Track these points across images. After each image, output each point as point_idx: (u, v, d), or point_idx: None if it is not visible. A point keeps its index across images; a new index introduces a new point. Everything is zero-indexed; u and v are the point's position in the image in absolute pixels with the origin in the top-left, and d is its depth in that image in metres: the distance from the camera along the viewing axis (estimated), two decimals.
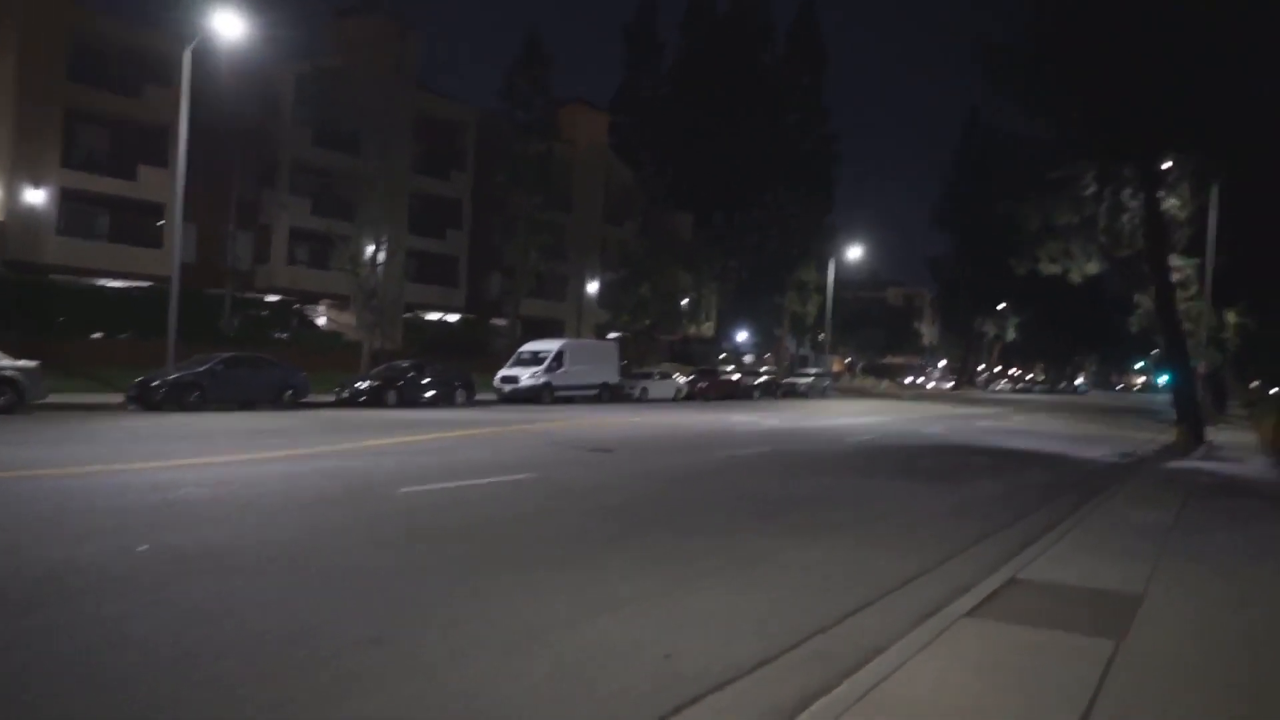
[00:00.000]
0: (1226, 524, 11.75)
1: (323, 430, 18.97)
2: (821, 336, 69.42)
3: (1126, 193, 30.40)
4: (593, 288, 56.27)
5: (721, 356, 69.77)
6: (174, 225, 26.23)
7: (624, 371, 44.47)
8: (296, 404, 26.54)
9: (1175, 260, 32.24)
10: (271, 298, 40.60)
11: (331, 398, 29.09)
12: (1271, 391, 76.09)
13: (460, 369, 33.20)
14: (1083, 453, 23.87)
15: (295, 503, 10.09)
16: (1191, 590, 7.74)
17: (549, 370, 35.41)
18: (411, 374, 30.52)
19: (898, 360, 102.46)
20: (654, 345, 56.14)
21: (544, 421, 24.67)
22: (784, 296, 68.95)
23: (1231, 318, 47.17)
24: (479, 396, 34.49)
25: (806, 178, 69.11)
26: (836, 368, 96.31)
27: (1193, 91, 26.79)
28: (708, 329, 68.06)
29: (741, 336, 77.82)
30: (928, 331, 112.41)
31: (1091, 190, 30.88)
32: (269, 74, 38.54)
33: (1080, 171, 30.73)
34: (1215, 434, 31.39)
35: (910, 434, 27.01)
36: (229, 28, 24.94)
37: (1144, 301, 38.20)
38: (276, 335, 38.99)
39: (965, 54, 30.44)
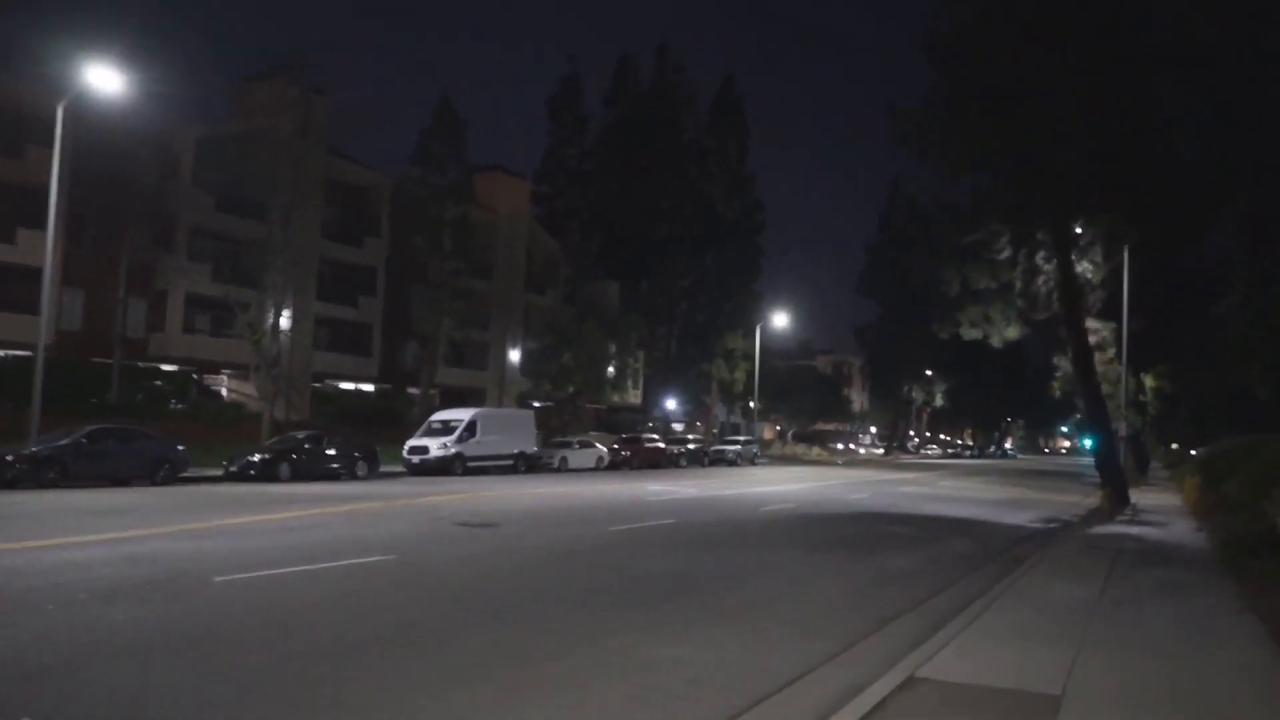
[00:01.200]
0: (1155, 597, 10.71)
1: (183, 508, 17.14)
2: (751, 404, 68.79)
3: (1041, 256, 30.27)
4: (515, 356, 54.92)
5: (650, 425, 68.61)
6: (44, 288, 24.31)
7: (544, 440, 42.99)
8: (175, 479, 24.48)
9: (1092, 323, 32.15)
10: (169, 367, 38.37)
11: (220, 472, 27.10)
12: (1191, 453, 77.41)
13: (363, 440, 31.34)
14: (1007, 518, 23.02)
15: (66, 599, 8.43)
16: (1119, 688, 6.56)
17: (460, 440, 33.72)
18: (308, 445, 28.65)
19: (829, 427, 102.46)
20: (579, 414, 54.68)
21: (441, 494, 23.01)
22: (711, 364, 68.32)
23: (1149, 381, 47.63)
24: (387, 468, 32.68)
25: (733, 246, 69.10)
26: (768, 435, 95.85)
27: (1102, 155, 26.84)
28: (634, 397, 66.96)
29: (671, 405, 76.92)
30: (858, 398, 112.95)
31: (1006, 254, 30.69)
32: (167, 137, 36.96)
33: (994, 235, 30.56)
34: (1139, 496, 30.94)
35: (833, 501, 25.94)
36: (106, 82, 23.49)
37: (1063, 364, 38.15)
38: (174, 406, 36.69)
39: (884, 122, 30.27)
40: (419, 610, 8.54)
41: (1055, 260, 28.51)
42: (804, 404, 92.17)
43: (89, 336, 35.31)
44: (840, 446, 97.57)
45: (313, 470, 27.89)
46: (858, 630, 8.78)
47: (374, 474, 30.10)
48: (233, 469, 26.89)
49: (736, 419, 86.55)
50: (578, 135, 73.36)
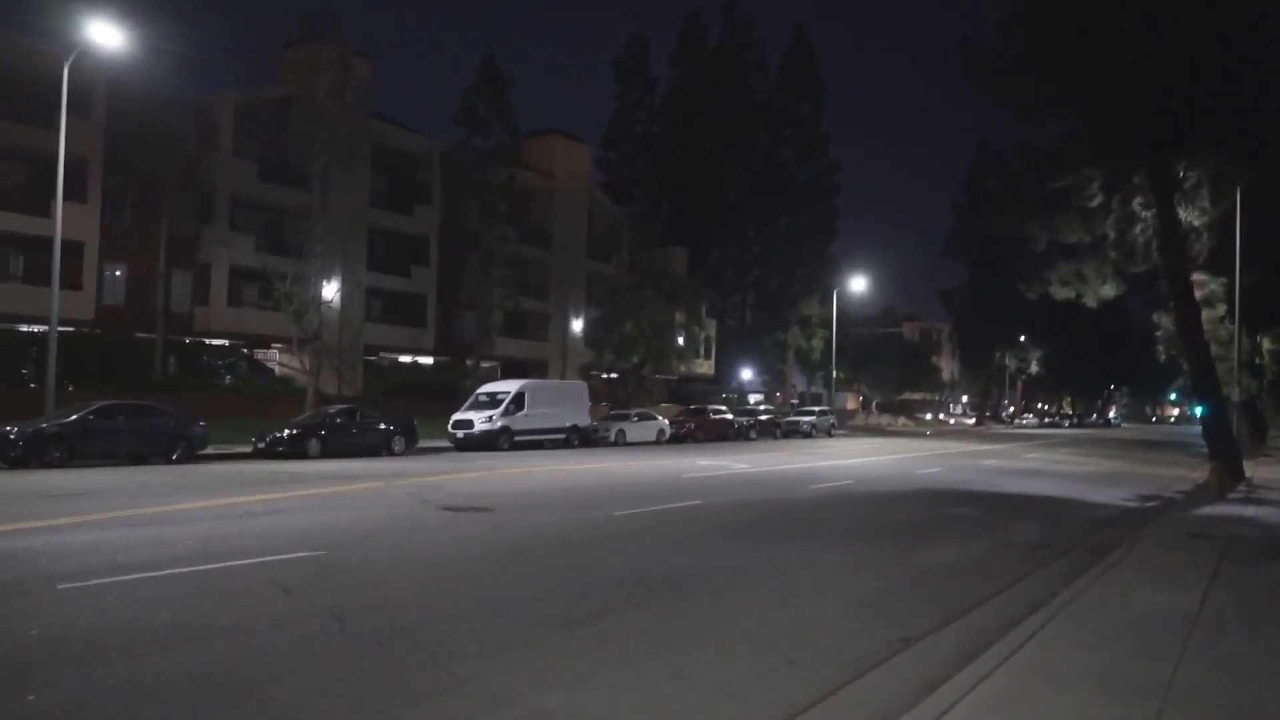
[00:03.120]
0: (1278, 612, 8.18)
1: (167, 489, 15.72)
2: (831, 373, 65.85)
3: (1138, 202, 26.90)
4: (577, 326, 53.18)
5: (725, 396, 66.38)
6: (54, 257, 23.37)
7: (605, 412, 41.21)
8: (192, 457, 23.35)
9: (1198, 276, 28.66)
10: (216, 341, 37.71)
11: (249, 449, 26.02)
12: None
13: (401, 414, 29.97)
14: (1096, 496, 20.20)
15: None
16: None
17: (506, 414, 32.08)
18: (340, 420, 27.34)
19: (916, 397, 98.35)
20: (646, 385, 52.74)
21: (462, 472, 21.31)
22: (786, 332, 65.54)
23: (1266, 344, 43.33)
24: (432, 444, 31.33)
25: (807, 209, 65.97)
26: (851, 406, 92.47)
27: (1208, 84, 23.45)
28: (706, 368, 64.65)
29: (747, 375, 74.45)
30: (947, 366, 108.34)
31: (1099, 201, 27.39)
32: (206, 106, 36.05)
33: (1085, 181, 27.27)
34: (1255, 470, 27.50)
35: (897, 477, 23.40)
36: (108, 39, 22.24)
37: (1165, 323, 34.49)
38: (223, 381, 35.98)
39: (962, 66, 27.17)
40: (269, 637, 6.62)
41: (1154, 206, 25.21)
42: (889, 373, 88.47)
43: (132, 311, 34.74)
44: (928, 417, 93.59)
45: (345, 446, 26.57)
46: (857, 659, 6.57)
47: (411, 449, 28.71)
48: (261, 445, 25.78)
49: (817, 389, 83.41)
50: (645, 98, 71.08)
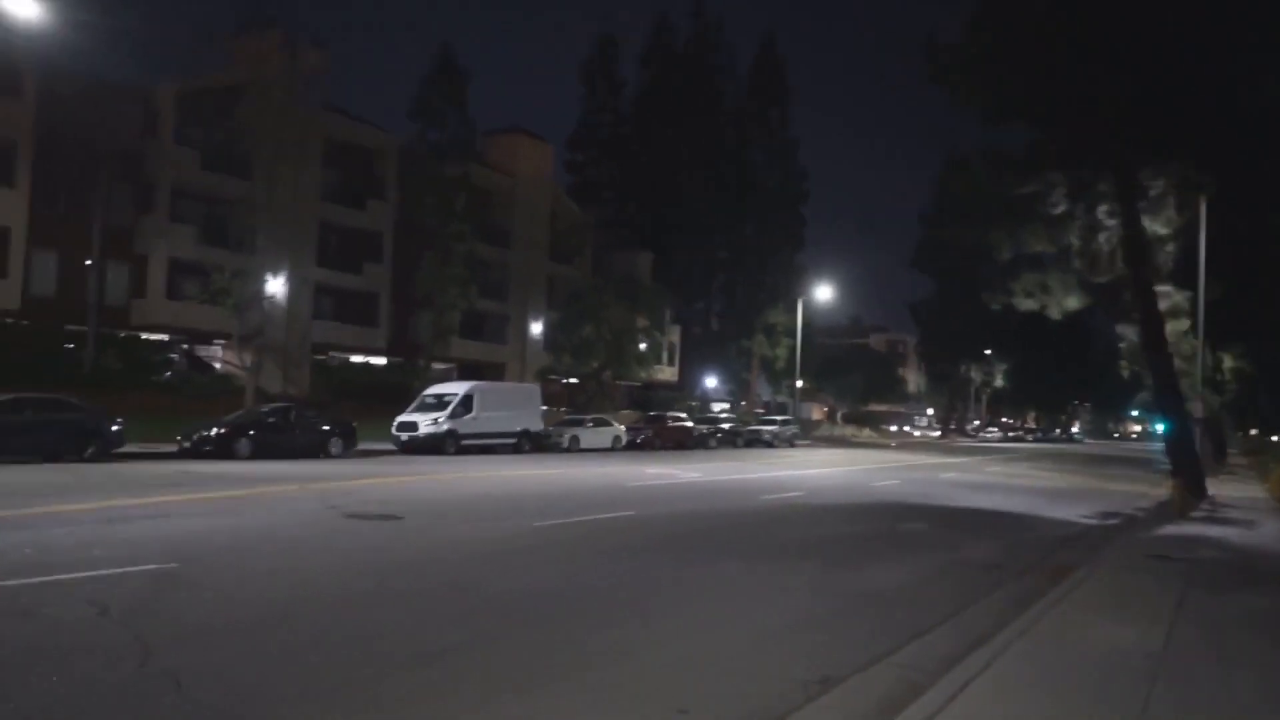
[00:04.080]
0: (1250, 645, 7.23)
1: (59, 489, 14.40)
2: (795, 383, 65.06)
3: (1103, 210, 26.23)
4: (537, 329, 51.96)
5: (694, 405, 65.41)
6: None
7: (562, 417, 40.08)
8: (107, 455, 21.94)
9: (1162, 288, 28.04)
10: (155, 336, 36.13)
11: (175, 448, 24.65)
12: (1275, 439, 71.67)
13: (342, 415, 28.70)
14: (1055, 512, 19.35)
15: None
16: None
17: (453, 416, 30.84)
18: (272, 420, 26.02)
19: (881, 408, 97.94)
20: (606, 391, 51.59)
21: (388, 477, 20.10)
22: (751, 340, 64.73)
23: (1228, 360, 42.94)
24: (376, 447, 30.06)
25: (775, 216, 65.17)
26: (816, 416, 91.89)
27: (1176, 89, 22.80)
28: (669, 374, 63.66)
29: (711, 383, 73.48)
30: (913, 378, 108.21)
31: (1063, 208, 26.70)
32: (146, 93, 34.55)
33: (1049, 187, 26.57)
34: (1217, 487, 26.87)
35: (852, 489, 22.47)
36: (21, 7, 20.77)
37: (1129, 334, 33.91)
38: (157, 377, 34.41)
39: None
40: (40, 672, 5.45)
41: (1119, 214, 24.53)
42: (855, 383, 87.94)
43: (64, 302, 33.14)
44: (893, 429, 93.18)
45: (277, 447, 25.25)
46: (763, 707, 5.52)
47: (350, 452, 27.43)
48: (186, 445, 24.41)
49: (784, 398, 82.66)
50: (612, 100, 69.99)
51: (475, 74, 39.84)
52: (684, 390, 66.82)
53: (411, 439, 30.16)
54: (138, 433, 25.92)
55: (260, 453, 24.61)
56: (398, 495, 15.99)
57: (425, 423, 30.44)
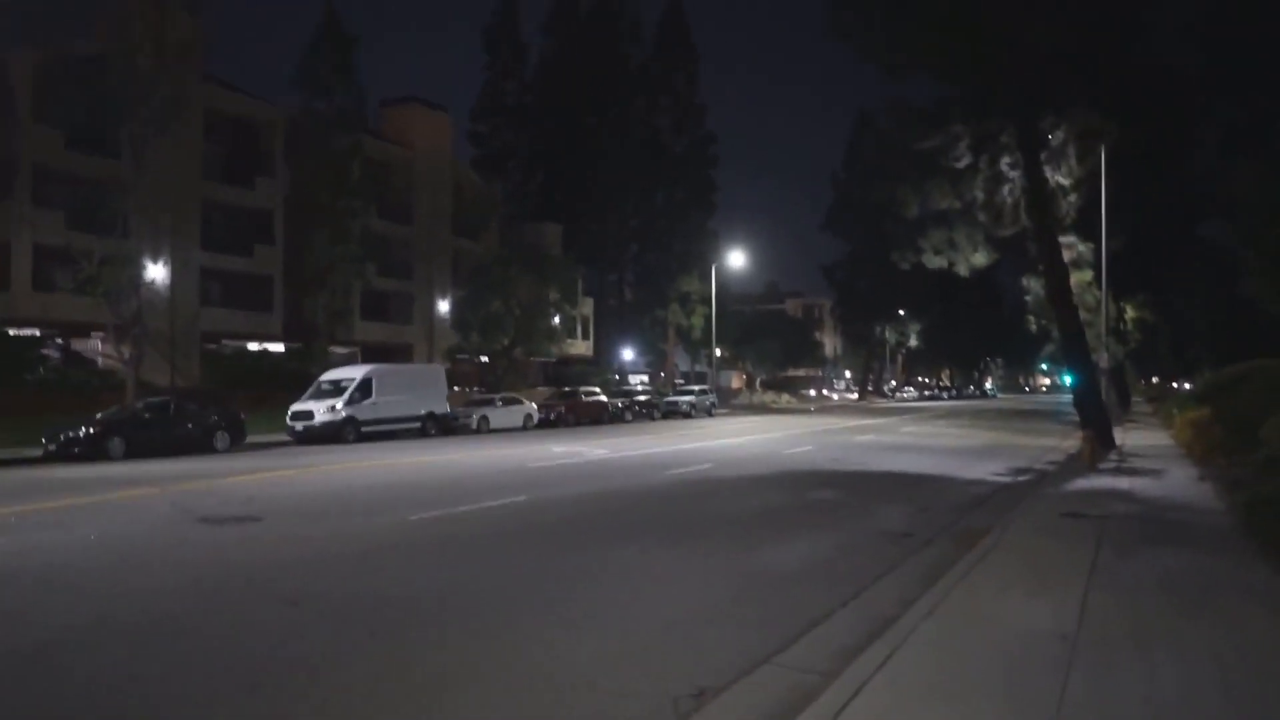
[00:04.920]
0: (1170, 617, 6.58)
1: None
2: (714, 351, 64.62)
3: (1005, 162, 25.96)
4: (444, 307, 50.30)
5: (616, 378, 64.47)
6: None
7: (469, 398, 38.79)
8: None
9: (1065, 239, 28.03)
10: (24, 331, 33.62)
11: (40, 452, 22.75)
12: (1175, 386, 73.99)
13: (226, 407, 26.99)
14: (969, 471, 18.98)
15: None
16: None
17: (351, 403, 29.33)
18: (149, 415, 24.26)
19: (799, 373, 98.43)
20: (519, 368, 50.26)
21: (270, 471, 18.74)
22: (666, 309, 64.00)
23: (1131, 311, 43.71)
24: (271, 438, 28.45)
25: (684, 182, 64.38)
26: (735, 384, 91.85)
27: (1077, 36, 22.48)
28: (584, 348, 62.62)
29: (628, 355, 72.65)
30: (830, 342, 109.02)
31: (967, 161, 26.35)
32: None
33: (953, 139, 26.15)
34: (1124, 436, 27.04)
35: (764, 458, 21.82)
36: None
37: (1034, 286, 34.00)
38: (27, 375, 32.01)
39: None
40: None
41: (1021, 165, 24.23)
42: (772, 350, 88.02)
43: None
44: (812, 393, 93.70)
45: (155, 444, 23.53)
46: None
47: (238, 445, 25.81)
48: (52, 448, 22.54)
49: (702, 368, 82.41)
50: (516, 68, 68.13)
51: (368, 42, 37.89)
52: (600, 364, 65.85)
53: (307, 429, 28.60)
54: (2, 438, 23.96)
55: (136, 451, 22.90)
56: (268, 493, 14.70)
57: (321, 411, 28.89)
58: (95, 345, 36.68)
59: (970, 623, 6.52)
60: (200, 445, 24.57)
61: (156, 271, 33.86)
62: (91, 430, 22.68)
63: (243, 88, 41.90)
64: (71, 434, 22.62)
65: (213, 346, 39.81)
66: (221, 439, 25.24)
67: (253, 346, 42.88)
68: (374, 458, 22.28)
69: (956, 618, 6.68)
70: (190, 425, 24.82)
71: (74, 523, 11.49)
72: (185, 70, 33.36)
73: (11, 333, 32.50)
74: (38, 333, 34.57)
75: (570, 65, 65.19)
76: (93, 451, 22.28)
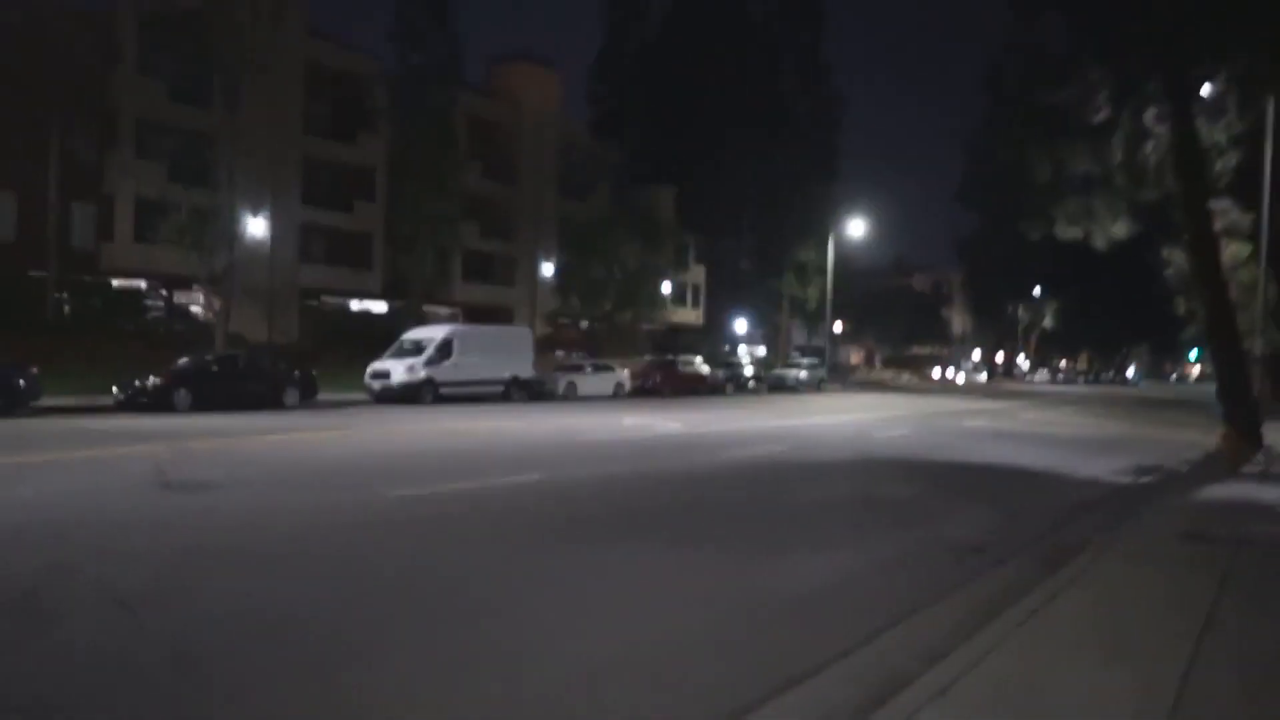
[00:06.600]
0: None
1: None
2: (836, 325, 61.66)
3: (1150, 115, 22.65)
4: (547, 270, 49.30)
5: (728, 349, 62.64)
6: None
7: (562, 363, 37.70)
8: (23, 409, 19.97)
9: (1219, 204, 24.51)
10: (128, 282, 34.20)
11: (111, 400, 22.67)
12: None
13: (299, 363, 26.56)
14: (1083, 467, 16.42)
15: None
16: None
17: (430, 363, 28.53)
18: (216, 369, 23.91)
19: (924, 351, 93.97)
20: (624, 335, 48.89)
21: (311, 431, 17.84)
22: (781, 278, 61.39)
23: None
24: (345, 396, 27.99)
25: (805, 145, 61.35)
26: (855, 359, 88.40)
27: None
28: (693, 316, 60.78)
29: (741, 325, 70.45)
30: (958, 320, 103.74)
31: (1104, 115, 23.16)
32: (106, 18, 32.14)
33: (1091, 91, 23.00)
34: (1276, 433, 23.56)
35: (850, 441, 19.69)
36: None
37: (1176, 258, 30.29)
38: (128, 325, 32.56)
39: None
40: None
41: (1169, 115, 21.00)
42: (896, 325, 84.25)
43: (25, 247, 31.28)
44: (936, 373, 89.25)
45: (223, 397, 23.18)
46: None
47: (308, 401, 25.30)
48: (121, 398, 22.39)
49: (820, 341, 79.43)
50: (637, 27, 66.25)
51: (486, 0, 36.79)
52: (711, 334, 63.94)
53: (385, 388, 27.96)
54: (98, 385, 23.98)
55: (202, 404, 22.53)
56: (278, 455, 13.64)
57: (400, 370, 28.20)
58: (197, 298, 37.15)
59: (1000, 706, 4.55)
60: (269, 400, 24.12)
61: (256, 225, 33.85)
62: (158, 382, 22.40)
63: (349, 42, 41.62)
64: (140, 384, 22.40)
65: (313, 303, 39.85)
66: (291, 395, 24.76)
67: (354, 304, 42.88)
68: (430, 422, 21.22)
69: (985, 694, 4.72)
70: (259, 380, 24.41)
71: (39, 479, 10.58)
72: (284, 23, 33.04)
73: (115, 283, 33.05)
74: (143, 284, 35.14)
75: (691, 24, 62.92)
76: (159, 402, 22.02)
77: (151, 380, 22.45)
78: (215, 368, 23.90)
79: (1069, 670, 5.09)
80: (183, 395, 22.40)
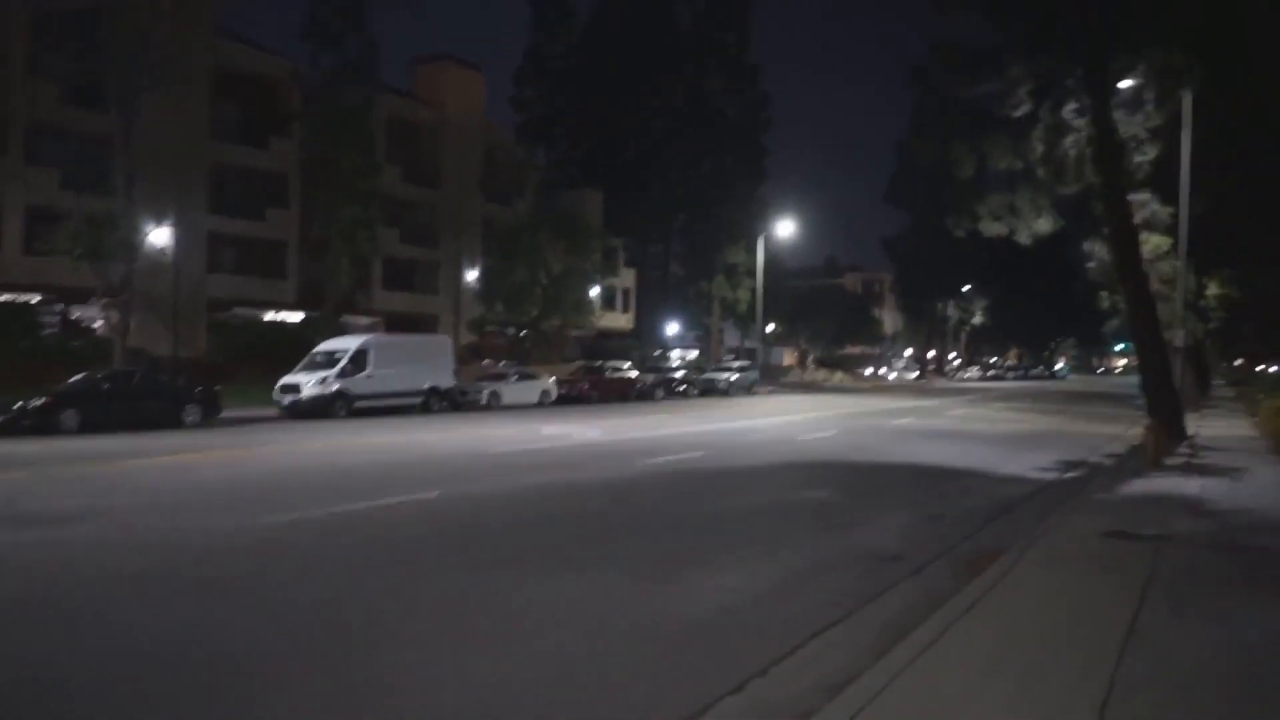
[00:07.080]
0: None
1: None
2: (768, 327, 61.44)
3: (1070, 109, 22.60)
4: (471, 277, 48.14)
5: (658, 354, 61.89)
6: None
7: (485, 372, 36.64)
8: None
9: (1138, 197, 24.58)
10: (19, 297, 32.26)
11: None
12: (1259, 370, 68.72)
13: (202, 380, 25.17)
14: (1008, 465, 16.06)
15: None
16: None
17: (343, 375, 27.27)
18: (109, 386, 22.43)
19: (856, 351, 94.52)
20: (552, 341, 47.88)
21: (203, 452, 16.69)
22: (710, 281, 60.99)
23: (1214, 288, 39.58)
24: (262, 412, 26.62)
25: (734, 148, 61.07)
26: (788, 361, 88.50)
27: None
28: (622, 321, 60.09)
29: (672, 329, 69.92)
30: (889, 319, 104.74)
31: (1025, 109, 23.04)
32: None
33: (1012, 85, 22.85)
34: (1198, 424, 23.72)
35: (772, 445, 19.12)
36: None
37: (1098, 251, 30.48)
38: (17, 344, 30.65)
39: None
40: None
41: (1088, 109, 20.91)
42: (827, 326, 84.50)
43: None
44: (868, 372, 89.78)
45: (117, 417, 21.65)
46: None
47: (210, 420, 23.88)
48: (1, 420, 20.80)
49: (753, 343, 79.29)
50: (562, 30, 65.28)
51: (409, 1, 35.65)
52: (642, 339, 63.25)
53: (295, 403, 26.61)
54: None
55: (92, 425, 21.00)
56: (142, 482, 12.55)
57: (310, 384, 26.88)
58: (94, 312, 35.29)
59: None
60: (167, 419, 22.64)
61: (159, 235, 32.21)
62: (43, 402, 20.89)
63: (260, 44, 40.07)
64: (23, 405, 20.87)
65: (223, 315, 38.20)
66: (192, 413, 23.28)
67: (268, 316, 41.24)
68: (336, 437, 20.14)
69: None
70: (157, 398, 22.96)
71: None
72: (189, 23, 31.57)
73: (4, 298, 31.16)
74: (36, 298, 33.24)
75: (617, 26, 62.21)
76: (43, 425, 20.49)
77: (35, 401, 20.94)
78: (107, 386, 22.35)
79: (981, 697, 4.45)
80: (70, 416, 20.90)
